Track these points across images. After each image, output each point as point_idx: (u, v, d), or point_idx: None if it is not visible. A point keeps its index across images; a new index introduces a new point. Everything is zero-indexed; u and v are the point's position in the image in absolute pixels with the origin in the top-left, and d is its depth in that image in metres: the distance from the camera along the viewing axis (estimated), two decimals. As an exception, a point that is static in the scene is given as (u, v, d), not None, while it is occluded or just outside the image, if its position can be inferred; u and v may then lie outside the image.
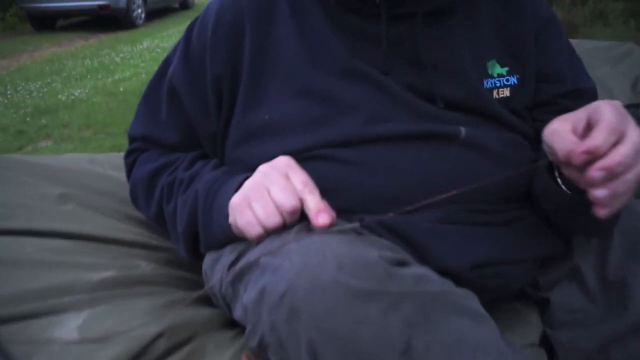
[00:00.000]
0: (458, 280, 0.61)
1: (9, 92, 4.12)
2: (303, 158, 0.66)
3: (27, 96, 3.99)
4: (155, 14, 8.27)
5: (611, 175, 0.51)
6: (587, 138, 0.53)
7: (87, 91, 4.01)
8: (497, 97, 0.73)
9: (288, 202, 0.58)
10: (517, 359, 0.53)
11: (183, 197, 0.72)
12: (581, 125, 0.56)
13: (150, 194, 0.79)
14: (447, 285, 0.54)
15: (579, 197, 0.61)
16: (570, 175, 0.59)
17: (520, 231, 0.70)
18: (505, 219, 0.70)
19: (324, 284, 0.48)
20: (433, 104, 0.71)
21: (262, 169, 0.62)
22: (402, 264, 0.53)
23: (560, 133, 0.56)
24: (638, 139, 0.52)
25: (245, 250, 0.62)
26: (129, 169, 0.85)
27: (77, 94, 3.91)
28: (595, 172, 0.51)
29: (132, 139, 0.85)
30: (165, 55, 0.83)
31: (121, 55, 5.46)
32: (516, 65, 0.74)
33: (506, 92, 0.74)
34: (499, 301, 0.74)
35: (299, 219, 0.60)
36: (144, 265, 0.81)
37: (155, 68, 0.84)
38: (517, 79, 0.74)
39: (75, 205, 0.91)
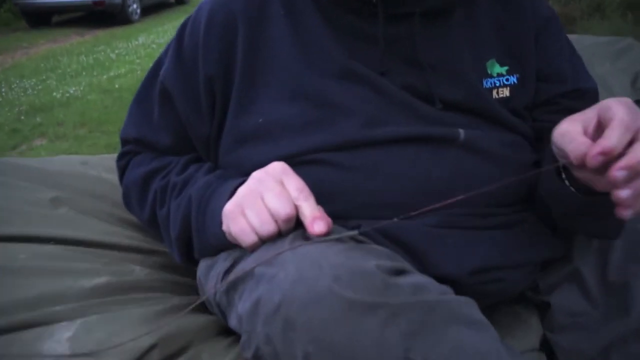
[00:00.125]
0: (457, 286, 0.60)
1: (3, 90, 4.09)
2: (298, 162, 0.65)
3: (22, 94, 3.96)
4: (150, 10, 8.23)
5: (633, 174, 0.49)
6: (600, 138, 0.51)
7: (82, 88, 3.98)
8: (496, 97, 0.72)
9: (283, 209, 0.57)
10: (518, 367, 0.52)
11: (176, 201, 0.70)
12: (592, 125, 0.54)
13: (143, 197, 0.78)
14: (446, 293, 0.52)
15: (590, 198, 0.60)
16: (583, 177, 0.57)
17: (521, 235, 0.69)
18: (506, 223, 0.69)
19: (320, 295, 0.47)
20: (431, 105, 0.69)
21: (256, 175, 0.61)
22: (400, 272, 0.52)
23: (571, 134, 0.54)
24: None
25: (240, 258, 0.61)
26: (122, 172, 0.84)
27: (72, 92, 3.88)
28: (617, 172, 0.49)
29: (124, 142, 0.84)
30: (160, 52, 0.82)
31: (116, 51, 5.42)
32: (516, 64, 0.73)
33: (506, 92, 0.73)
34: (499, 305, 0.73)
35: (295, 226, 0.59)
36: (139, 271, 0.80)
37: (151, 65, 0.82)
38: (517, 79, 0.73)
39: (68, 209, 0.89)
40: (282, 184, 0.59)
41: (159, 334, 0.58)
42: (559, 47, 0.76)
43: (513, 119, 0.72)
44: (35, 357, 0.53)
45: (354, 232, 0.56)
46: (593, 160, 0.50)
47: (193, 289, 0.79)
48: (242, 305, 0.54)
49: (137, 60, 4.89)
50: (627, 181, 0.49)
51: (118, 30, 6.76)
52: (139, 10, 7.62)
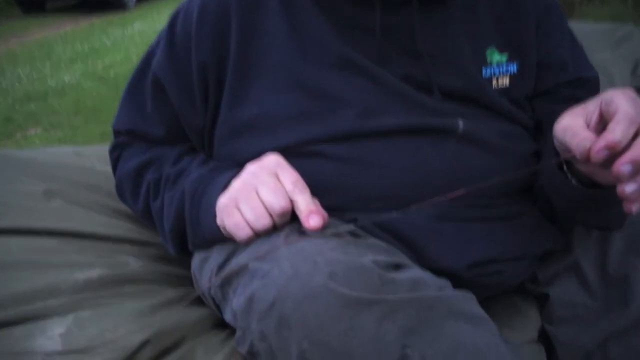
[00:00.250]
0: (456, 279, 0.60)
1: (-3, 78, 4.05)
2: (293, 154, 0.64)
3: (16, 82, 3.92)
4: (146, -4, 8.13)
5: (639, 168, 0.48)
6: (604, 132, 0.49)
7: (77, 76, 3.94)
8: (496, 86, 0.71)
9: (278, 203, 0.56)
10: (517, 362, 0.51)
11: (170, 194, 0.69)
12: (594, 118, 0.53)
13: (136, 189, 0.77)
14: (444, 288, 0.52)
15: (593, 191, 0.59)
16: (586, 171, 0.56)
17: (520, 226, 0.68)
18: (505, 214, 0.68)
19: (315, 292, 0.46)
20: (430, 95, 0.68)
21: (251, 168, 0.60)
22: (397, 267, 0.51)
23: (574, 129, 0.52)
24: None
25: (234, 251, 0.60)
26: (115, 163, 0.82)
27: (66, 80, 3.84)
28: (622, 166, 0.48)
29: (117, 133, 0.83)
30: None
31: (112, 38, 5.37)
32: (516, 53, 0.71)
33: (505, 81, 0.71)
34: (497, 296, 0.73)
35: (290, 219, 0.58)
36: (133, 262, 0.79)
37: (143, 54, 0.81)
38: (517, 67, 0.71)
39: (61, 201, 0.88)
40: (276, 177, 0.58)
41: (152, 329, 0.57)
42: (560, 36, 0.74)
43: (512, 108, 0.71)
44: (26, 354, 0.52)
45: (350, 227, 0.55)
46: (597, 155, 0.49)
47: (189, 280, 0.78)
48: (236, 301, 0.53)
49: (133, 48, 4.83)
50: (632, 175, 0.48)
51: (113, 17, 6.69)
52: (134, -3, 7.54)
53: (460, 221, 0.64)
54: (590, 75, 0.75)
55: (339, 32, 0.67)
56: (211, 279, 0.61)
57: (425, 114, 0.67)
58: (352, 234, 0.56)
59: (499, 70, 0.71)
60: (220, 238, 0.62)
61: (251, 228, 0.57)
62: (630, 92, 0.52)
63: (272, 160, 0.60)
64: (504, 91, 0.71)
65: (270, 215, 0.57)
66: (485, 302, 0.71)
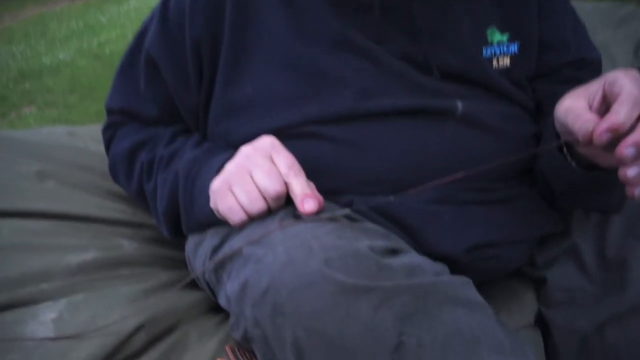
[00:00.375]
0: (453, 263, 0.59)
1: (-9, 56, 3.99)
2: (289, 136, 0.63)
3: (10, 60, 3.87)
4: (141, -29, 7.98)
5: None
6: (608, 114, 0.48)
7: (72, 54, 3.88)
8: (496, 67, 0.69)
9: (272, 187, 0.55)
10: (514, 346, 0.50)
11: (163, 176, 0.68)
12: (596, 99, 0.51)
13: (130, 170, 0.76)
14: (441, 273, 0.51)
15: (593, 174, 0.57)
16: (587, 153, 0.55)
17: (519, 210, 0.67)
18: (504, 197, 0.67)
19: (310, 279, 0.45)
20: (428, 75, 0.66)
21: (245, 150, 0.59)
22: (393, 252, 0.50)
23: (576, 110, 0.51)
24: None
25: (228, 235, 0.59)
26: (108, 143, 0.81)
27: (61, 57, 3.79)
28: (625, 149, 0.46)
29: (109, 112, 0.81)
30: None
31: (107, 15, 5.28)
32: (517, 32, 0.69)
33: (506, 62, 0.70)
34: (494, 280, 0.72)
35: (285, 203, 0.57)
36: (127, 245, 0.79)
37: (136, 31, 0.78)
38: (518, 47, 0.70)
39: (54, 182, 0.87)
40: (271, 159, 0.57)
41: (146, 314, 0.56)
42: (563, 16, 0.72)
43: (513, 89, 0.70)
44: (17, 341, 0.51)
45: (346, 211, 0.54)
46: (600, 138, 0.47)
47: (183, 263, 0.78)
48: (230, 285, 0.53)
49: (129, 25, 4.75)
50: (636, 158, 0.46)
51: (108, -7, 6.57)
52: (129, -28, 7.40)
53: (458, 204, 0.64)
54: (592, 56, 0.74)
55: (337, 10, 0.65)
56: (205, 263, 0.60)
57: (424, 95, 0.66)
58: (348, 217, 0.55)
59: (500, 50, 0.69)
60: (214, 221, 0.61)
61: (245, 212, 0.56)
62: (634, 73, 0.50)
63: (267, 142, 0.59)
64: (504, 71, 0.69)
65: (265, 198, 0.56)
66: (482, 286, 0.70)
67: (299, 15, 0.65)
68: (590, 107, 0.52)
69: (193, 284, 0.70)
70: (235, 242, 0.56)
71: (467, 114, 0.65)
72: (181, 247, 0.76)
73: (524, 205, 0.68)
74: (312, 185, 0.57)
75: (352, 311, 0.44)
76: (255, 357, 0.51)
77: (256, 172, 0.56)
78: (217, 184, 0.58)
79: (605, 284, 0.66)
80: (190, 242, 0.68)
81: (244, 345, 0.54)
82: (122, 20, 5.02)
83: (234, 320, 0.52)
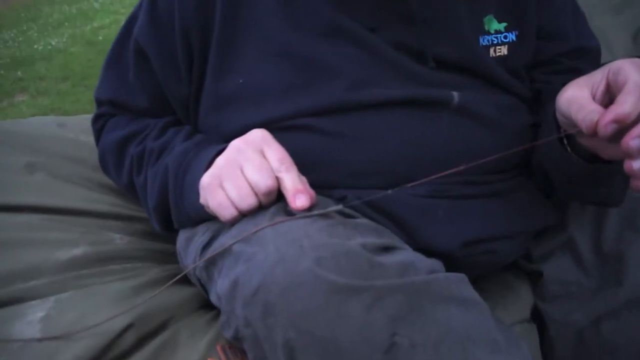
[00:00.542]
0: (448, 258, 0.58)
1: (-18, 42, 3.94)
2: (280, 128, 0.61)
3: (2, 46, 3.82)
4: (135, -45, 7.87)
5: None
6: (613, 104, 0.46)
7: (64, 40, 3.84)
8: (493, 55, 0.68)
9: (263, 182, 0.53)
10: (509, 343, 0.50)
11: (153, 169, 0.67)
12: (600, 89, 0.50)
13: (120, 163, 0.74)
14: (435, 271, 0.50)
15: (595, 166, 0.56)
16: (590, 145, 0.53)
17: (515, 203, 0.66)
18: (500, 190, 0.66)
19: (302, 279, 0.44)
20: (424, 64, 0.65)
21: (235, 144, 0.57)
22: (387, 249, 0.49)
23: (579, 101, 0.49)
24: None
25: (219, 231, 0.58)
26: (97, 135, 0.80)
27: (54, 44, 3.75)
28: (632, 141, 0.45)
29: (99, 103, 0.79)
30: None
31: (101, 0, 5.21)
32: (515, 20, 0.68)
33: (503, 50, 0.68)
34: (490, 274, 0.72)
35: (277, 198, 0.56)
36: (118, 239, 0.78)
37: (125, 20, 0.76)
38: (516, 36, 0.68)
39: (44, 175, 0.86)
40: (262, 153, 0.55)
41: (135, 312, 0.55)
42: (562, 4, 0.71)
43: (510, 79, 0.68)
44: (3, 342, 0.50)
45: (338, 207, 0.52)
46: (605, 129, 0.46)
47: (176, 257, 0.77)
48: (221, 283, 0.52)
49: (122, 10, 4.70)
50: None
51: (101, -22, 6.48)
52: (122, -44, 7.29)
53: (453, 198, 0.62)
54: (591, 45, 0.72)
55: None
56: (196, 259, 0.59)
57: (419, 84, 0.64)
58: (341, 213, 0.54)
59: (497, 39, 0.68)
60: (205, 216, 0.60)
61: (236, 208, 0.55)
62: (639, 61, 0.49)
63: (258, 136, 0.57)
64: (501, 60, 0.68)
65: (256, 194, 0.54)
66: (477, 280, 0.70)
67: (291, 3, 0.64)
68: (594, 97, 0.50)
69: (185, 279, 0.68)
70: (225, 239, 0.55)
71: (463, 105, 0.64)
72: (174, 241, 0.74)
73: (520, 198, 0.67)
74: (304, 179, 0.55)
75: (344, 311, 0.43)
76: (247, 357, 0.50)
77: (247, 167, 0.54)
78: (206, 179, 0.57)
79: (601, 278, 0.66)
80: (182, 237, 0.67)
81: (236, 345, 0.53)
82: (116, 5, 4.96)
83: (225, 319, 0.51)
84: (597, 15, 1.26)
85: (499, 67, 0.68)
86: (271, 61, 0.64)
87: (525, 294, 0.71)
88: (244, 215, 0.56)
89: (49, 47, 3.70)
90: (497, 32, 0.68)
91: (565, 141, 0.59)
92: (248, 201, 0.54)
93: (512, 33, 0.68)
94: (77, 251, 0.70)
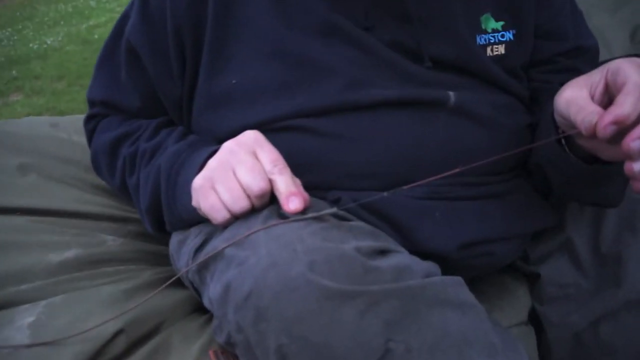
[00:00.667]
0: (445, 261, 0.57)
1: (-23, 41, 3.92)
2: (274, 129, 0.60)
3: (-3, 45, 3.80)
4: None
5: None
6: (612, 106, 0.46)
7: (60, 39, 3.82)
8: (490, 54, 0.67)
9: (256, 184, 0.52)
10: (507, 346, 0.49)
11: (145, 170, 0.66)
12: (598, 90, 0.49)
13: (112, 164, 0.73)
14: (431, 274, 0.49)
15: (594, 167, 0.56)
16: (589, 146, 0.53)
17: (513, 205, 0.65)
18: (497, 192, 0.65)
19: (294, 284, 0.43)
20: (420, 64, 0.64)
21: (228, 145, 0.56)
22: (382, 252, 0.48)
23: (578, 102, 0.49)
24: None
25: (212, 234, 0.57)
26: (90, 135, 0.79)
27: (49, 42, 3.73)
28: (633, 142, 0.44)
29: (91, 103, 0.78)
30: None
31: (96, -2, 5.19)
32: (512, 19, 0.67)
33: (501, 49, 0.67)
34: (487, 275, 0.71)
35: (270, 200, 0.55)
36: (111, 241, 0.77)
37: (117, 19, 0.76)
38: (513, 35, 0.67)
39: (36, 176, 0.85)
40: (255, 155, 0.54)
41: (127, 316, 0.55)
42: (561, 2, 0.70)
43: (507, 78, 0.67)
44: (-10, 348, 0.49)
45: (333, 210, 0.51)
46: (605, 131, 0.45)
47: (169, 259, 0.76)
48: (213, 288, 0.51)
49: (118, 9, 4.68)
50: None
51: (97, -24, 6.45)
52: (118, -46, 7.26)
53: (450, 200, 0.62)
54: (590, 44, 0.72)
55: None
56: (188, 262, 0.58)
57: (415, 85, 0.63)
58: (336, 215, 0.53)
59: (494, 38, 0.67)
60: (198, 219, 0.59)
61: (228, 210, 0.54)
62: (639, 61, 0.48)
63: (251, 137, 0.56)
64: (498, 60, 0.67)
65: (248, 196, 0.53)
66: (474, 282, 0.69)
67: (284, 1, 0.63)
68: (592, 98, 0.49)
69: (178, 282, 0.68)
70: (218, 242, 0.54)
71: (460, 105, 0.63)
72: (168, 242, 0.73)
73: (518, 200, 0.66)
74: (298, 182, 0.55)
75: (338, 317, 0.42)
76: (240, 362, 0.49)
77: (239, 169, 0.53)
78: (198, 182, 0.56)
79: (599, 279, 0.65)
80: (174, 239, 0.66)
81: (228, 349, 0.52)
82: (112, 4, 4.94)
83: (217, 324, 0.50)
84: (595, 14, 1.25)
85: (496, 66, 0.67)
86: (264, 60, 0.63)
87: (522, 296, 0.70)
88: (236, 218, 0.55)
89: (45, 46, 3.68)
90: (494, 30, 0.67)
91: (563, 142, 0.59)
92: (240, 204, 0.53)
93: (509, 32, 0.68)
94: (70, 254, 0.69)
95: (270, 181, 0.53)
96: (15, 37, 3.98)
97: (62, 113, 2.49)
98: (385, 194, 0.54)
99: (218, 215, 0.54)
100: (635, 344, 0.63)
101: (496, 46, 0.67)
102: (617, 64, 0.47)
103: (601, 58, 0.72)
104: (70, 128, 0.99)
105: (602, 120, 0.45)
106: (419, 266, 0.49)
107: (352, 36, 0.62)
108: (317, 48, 0.62)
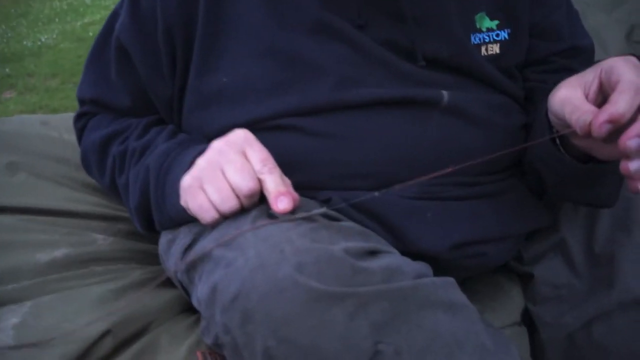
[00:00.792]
0: (436, 262, 0.57)
1: (-29, 38, 3.89)
2: (265, 128, 0.60)
3: (-9, 42, 3.77)
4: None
5: None
6: (607, 104, 0.45)
7: (54, 36, 3.79)
8: (485, 54, 0.66)
9: (245, 184, 0.52)
10: (499, 347, 0.49)
11: (135, 169, 0.65)
12: (592, 89, 0.49)
13: (102, 163, 0.72)
14: (421, 275, 0.48)
15: (588, 167, 0.56)
16: (583, 145, 0.52)
17: (506, 205, 0.65)
18: (490, 192, 0.65)
19: (282, 285, 0.42)
20: (413, 63, 0.63)
21: (216, 144, 0.56)
22: (372, 253, 0.47)
23: (573, 101, 0.48)
24: None
25: (201, 234, 0.57)
26: (79, 134, 0.78)
27: (43, 40, 3.70)
28: (629, 140, 0.43)
29: (81, 102, 0.77)
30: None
31: (91, -4, 5.17)
32: (508, 18, 0.66)
33: (495, 49, 0.67)
34: (480, 275, 0.70)
35: (259, 200, 0.54)
36: (101, 240, 0.76)
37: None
38: (508, 34, 0.67)
39: (26, 175, 0.84)
40: (244, 155, 0.54)
41: (114, 317, 0.54)
42: (556, 1, 0.69)
43: (502, 78, 0.67)
44: (-27, 350, 0.48)
45: (322, 210, 0.51)
46: (599, 130, 0.45)
47: (160, 258, 0.75)
48: (201, 288, 0.50)
49: (113, 6, 4.65)
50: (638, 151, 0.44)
51: (93, -27, 6.42)
52: (114, -48, 7.24)
53: (442, 200, 0.61)
54: (585, 44, 0.71)
55: None
56: (177, 263, 0.57)
57: (408, 84, 0.63)
58: (326, 216, 0.53)
59: (489, 37, 0.67)
60: (187, 218, 0.58)
61: (217, 210, 0.53)
62: (633, 59, 0.48)
63: (240, 136, 0.55)
64: (493, 58, 0.66)
65: (237, 196, 0.53)
66: (467, 282, 0.69)
67: None
68: (586, 97, 0.49)
69: (168, 281, 0.67)
70: (206, 242, 0.53)
71: (453, 104, 0.63)
72: (158, 241, 0.73)
73: (511, 200, 0.66)
74: (288, 181, 0.54)
75: (326, 319, 0.42)
76: (228, 364, 0.49)
77: (228, 168, 0.53)
78: (187, 181, 0.55)
79: (593, 280, 0.65)
80: (163, 239, 0.65)
81: (216, 351, 0.52)
82: (107, 1, 4.91)
83: (205, 325, 0.50)
84: (591, 14, 1.25)
85: (491, 65, 0.66)
86: (255, 59, 0.62)
87: (516, 296, 0.70)
88: (225, 218, 0.54)
89: (39, 43, 3.65)
90: (489, 29, 0.67)
91: (558, 142, 0.58)
92: (229, 204, 0.53)
93: (504, 31, 0.67)
94: (58, 253, 0.69)
95: (260, 181, 0.52)
96: (9, 34, 3.95)
97: (55, 111, 2.47)
98: (376, 193, 0.53)
99: (206, 215, 0.54)
100: (628, 345, 0.63)
101: (491, 45, 0.67)
102: (611, 63, 0.47)
103: (597, 58, 0.71)
104: (61, 126, 0.98)
105: (597, 119, 0.45)
106: (409, 267, 0.48)
107: (344, 34, 0.62)
108: (308, 46, 0.61)
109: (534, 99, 0.69)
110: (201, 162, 0.55)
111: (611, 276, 0.64)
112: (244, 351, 0.44)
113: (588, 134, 0.46)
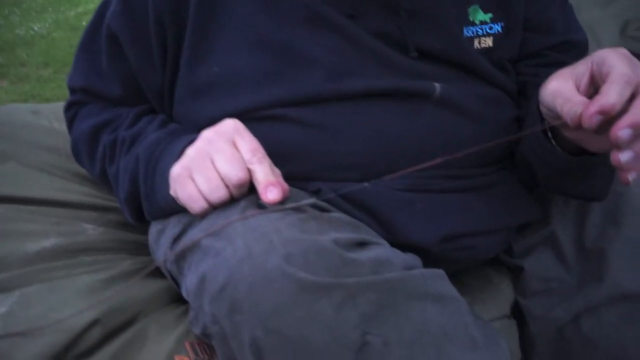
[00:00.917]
0: (426, 254, 0.57)
1: (-38, 26, 3.84)
2: (256, 118, 0.59)
3: (-17, 31, 3.73)
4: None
5: (639, 132, 0.44)
6: (597, 95, 0.45)
7: (47, 25, 3.75)
8: (478, 47, 0.66)
9: (234, 174, 0.51)
10: (487, 340, 0.49)
11: (125, 159, 0.65)
12: (584, 81, 0.49)
13: (92, 152, 0.72)
14: (410, 267, 0.48)
15: (580, 159, 0.55)
16: (575, 137, 0.52)
17: (496, 197, 0.65)
18: (481, 184, 0.64)
19: (270, 276, 0.42)
20: (405, 54, 0.63)
21: (206, 134, 0.55)
22: (361, 244, 0.47)
23: (564, 93, 0.48)
24: None
25: (190, 224, 0.56)
26: (70, 123, 0.77)
27: (36, 29, 3.66)
28: (621, 131, 0.43)
29: (72, 91, 0.77)
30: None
31: (85, -15, 5.11)
32: (501, 12, 0.66)
33: (488, 42, 0.66)
34: (470, 268, 0.71)
35: (249, 190, 0.54)
36: (91, 230, 0.75)
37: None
38: (502, 27, 0.67)
39: (15, 164, 0.83)
40: (234, 144, 0.53)
41: (103, 306, 0.53)
42: (551, -5, 0.69)
43: (494, 71, 0.67)
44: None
45: (312, 200, 0.51)
46: (590, 121, 0.45)
47: (150, 248, 0.75)
48: (189, 279, 0.50)
49: (108, -5, 4.61)
50: (632, 140, 0.44)
51: (87, -38, 6.35)
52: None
53: (432, 192, 0.61)
54: (579, 38, 0.71)
55: None
56: (166, 253, 0.57)
57: (400, 75, 0.62)
58: (315, 206, 0.53)
59: (482, 30, 0.66)
60: (177, 208, 0.58)
61: (206, 200, 0.53)
62: (623, 51, 0.48)
63: (230, 126, 0.55)
64: (486, 52, 0.66)
65: (227, 186, 0.52)
66: (457, 274, 0.69)
67: None
68: (578, 89, 0.49)
69: (157, 272, 0.67)
70: (195, 232, 0.53)
71: (445, 97, 0.62)
72: (148, 232, 0.72)
73: (501, 193, 0.66)
74: (278, 172, 0.54)
75: (314, 310, 0.42)
76: (216, 354, 0.49)
77: (218, 158, 0.52)
78: (176, 170, 0.55)
79: (582, 274, 0.65)
80: (153, 229, 0.65)
81: (205, 341, 0.51)
82: (101, -10, 4.86)
83: (193, 315, 0.50)
84: (586, 8, 1.25)
85: (484, 59, 0.66)
86: (247, 49, 0.61)
87: (505, 289, 0.70)
88: (214, 208, 0.54)
89: (31, 32, 3.61)
90: (482, 22, 0.66)
91: (549, 134, 0.58)
92: (218, 193, 0.52)
93: (497, 24, 0.67)
94: (47, 243, 0.68)
95: (249, 171, 0.52)
96: (1, 23, 3.91)
97: (47, 100, 2.44)
98: (366, 184, 0.53)
99: (196, 205, 0.53)
100: (617, 339, 0.63)
101: (484, 38, 0.66)
102: (602, 55, 0.47)
103: (591, 52, 0.71)
104: (51, 115, 0.97)
105: (588, 110, 0.45)
106: (398, 258, 0.48)
107: (336, 25, 0.61)
108: (300, 37, 0.61)
109: (527, 93, 0.69)
110: (191, 151, 0.55)
111: (601, 270, 0.64)
112: (232, 341, 0.44)
113: (579, 126, 0.46)
